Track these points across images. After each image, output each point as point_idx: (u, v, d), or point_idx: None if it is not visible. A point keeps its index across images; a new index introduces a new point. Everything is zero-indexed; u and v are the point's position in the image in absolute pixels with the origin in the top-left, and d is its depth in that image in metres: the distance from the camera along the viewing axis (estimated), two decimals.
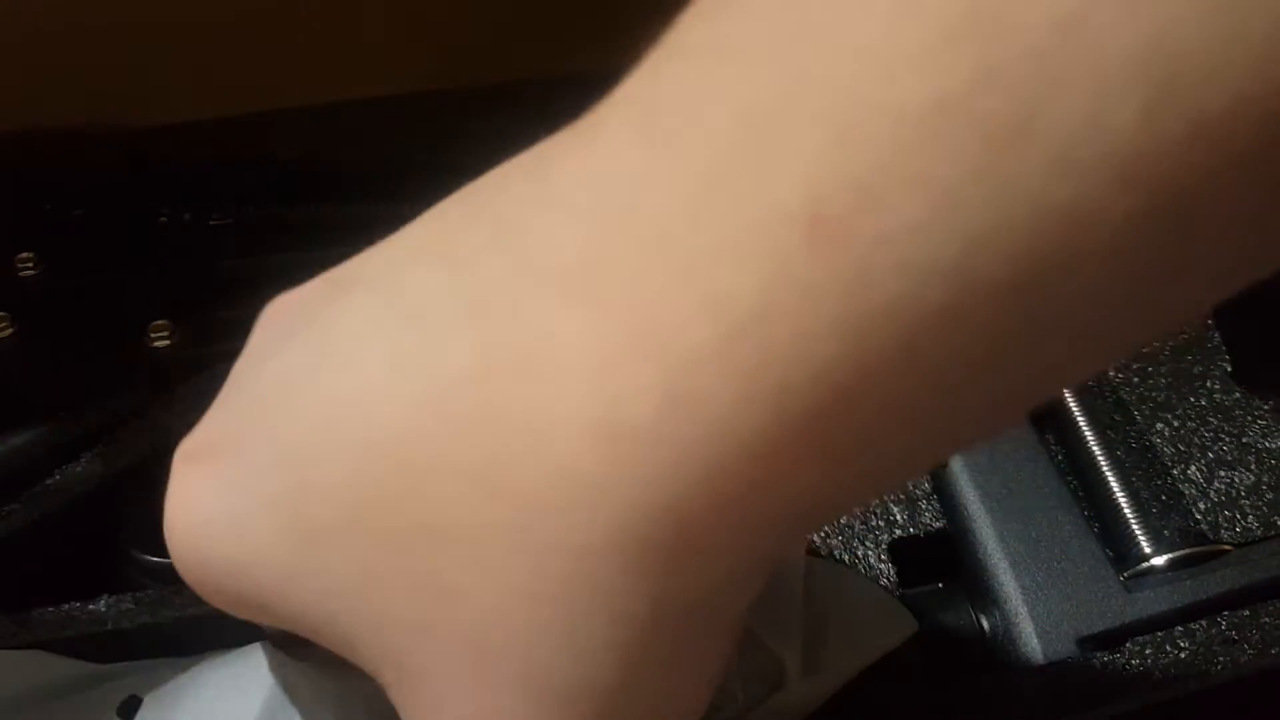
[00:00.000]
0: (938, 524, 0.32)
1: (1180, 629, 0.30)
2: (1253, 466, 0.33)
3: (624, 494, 0.15)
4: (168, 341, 0.35)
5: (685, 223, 0.15)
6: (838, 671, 0.26)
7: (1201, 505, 0.33)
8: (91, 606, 0.29)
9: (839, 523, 0.32)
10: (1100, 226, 0.13)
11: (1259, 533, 0.32)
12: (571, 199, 0.16)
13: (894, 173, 0.13)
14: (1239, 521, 0.33)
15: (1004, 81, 0.13)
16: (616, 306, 0.15)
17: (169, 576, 0.30)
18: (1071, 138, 0.13)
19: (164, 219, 0.37)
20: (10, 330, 0.35)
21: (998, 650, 0.30)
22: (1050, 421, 0.34)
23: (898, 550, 0.32)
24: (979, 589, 0.31)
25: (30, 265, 0.36)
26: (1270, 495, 0.33)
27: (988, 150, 0.13)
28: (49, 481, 0.33)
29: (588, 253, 0.15)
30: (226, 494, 0.19)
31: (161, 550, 0.31)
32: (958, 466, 0.32)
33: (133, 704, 0.24)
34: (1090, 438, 0.33)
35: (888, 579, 0.31)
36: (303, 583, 0.18)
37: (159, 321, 0.35)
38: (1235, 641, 0.30)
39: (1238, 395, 0.35)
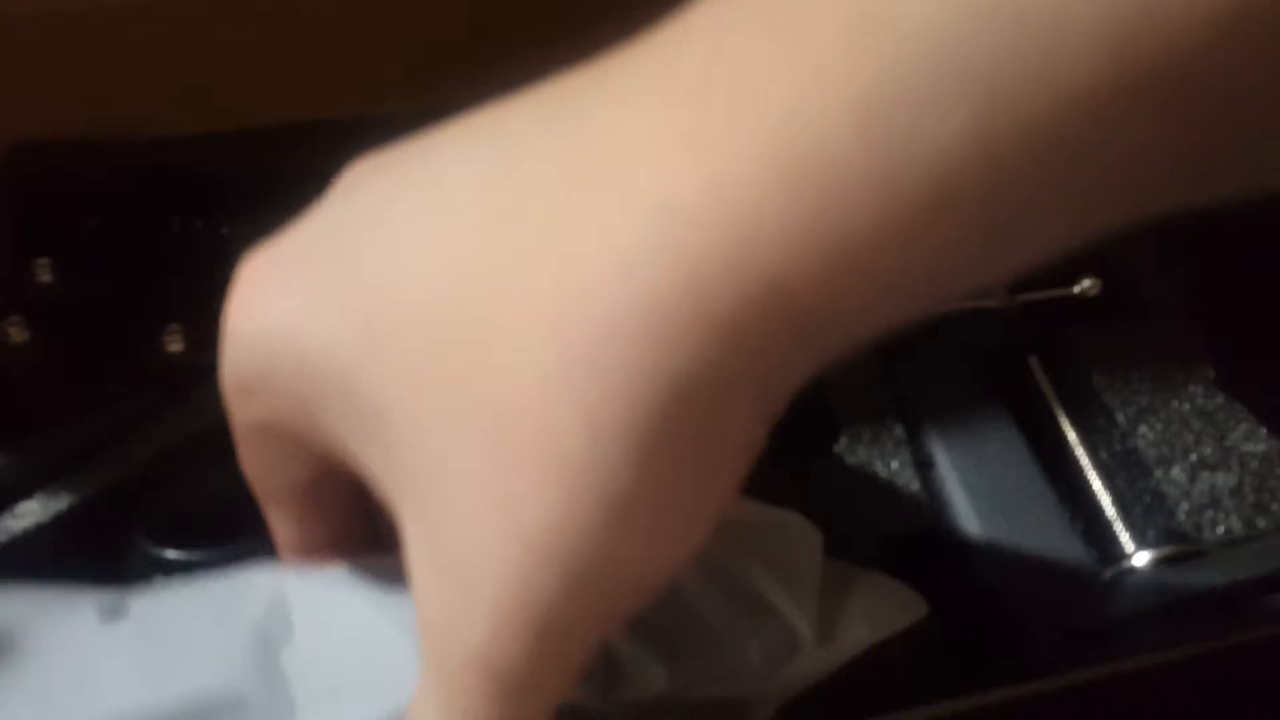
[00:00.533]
0: (926, 524, 0.33)
1: (1163, 627, 0.31)
2: (1234, 469, 0.34)
3: (656, 269, 0.17)
4: (180, 346, 0.36)
5: (744, 32, 0.17)
6: (850, 642, 0.27)
7: (1184, 506, 0.34)
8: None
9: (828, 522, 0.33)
10: (1082, 32, 0.15)
11: (1240, 533, 0.33)
12: (656, 40, 0.19)
13: None
14: (1221, 522, 0.33)
15: None
16: (679, 106, 0.17)
17: (176, 569, 0.31)
18: None
19: (176, 227, 0.38)
20: (26, 335, 0.36)
21: (983, 647, 0.31)
22: (1036, 425, 0.35)
23: (887, 549, 0.33)
24: (966, 588, 0.32)
25: (46, 271, 0.37)
26: (1251, 497, 0.34)
27: None
28: (63, 483, 0.34)
29: (661, 73, 0.18)
30: (305, 295, 0.21)
31: (172, 544, 0.32)
32: (946, 468, 0.33)
33: (117, 605, 0.24)
34: (1075, 441, 0.34)
35: None
36: (363, 376, 0.20)
37: (172, 326, 0.36)
38: (1218, 639, 0.31)
39: (1220, 400, 0.36)
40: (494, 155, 0.19)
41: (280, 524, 0.25)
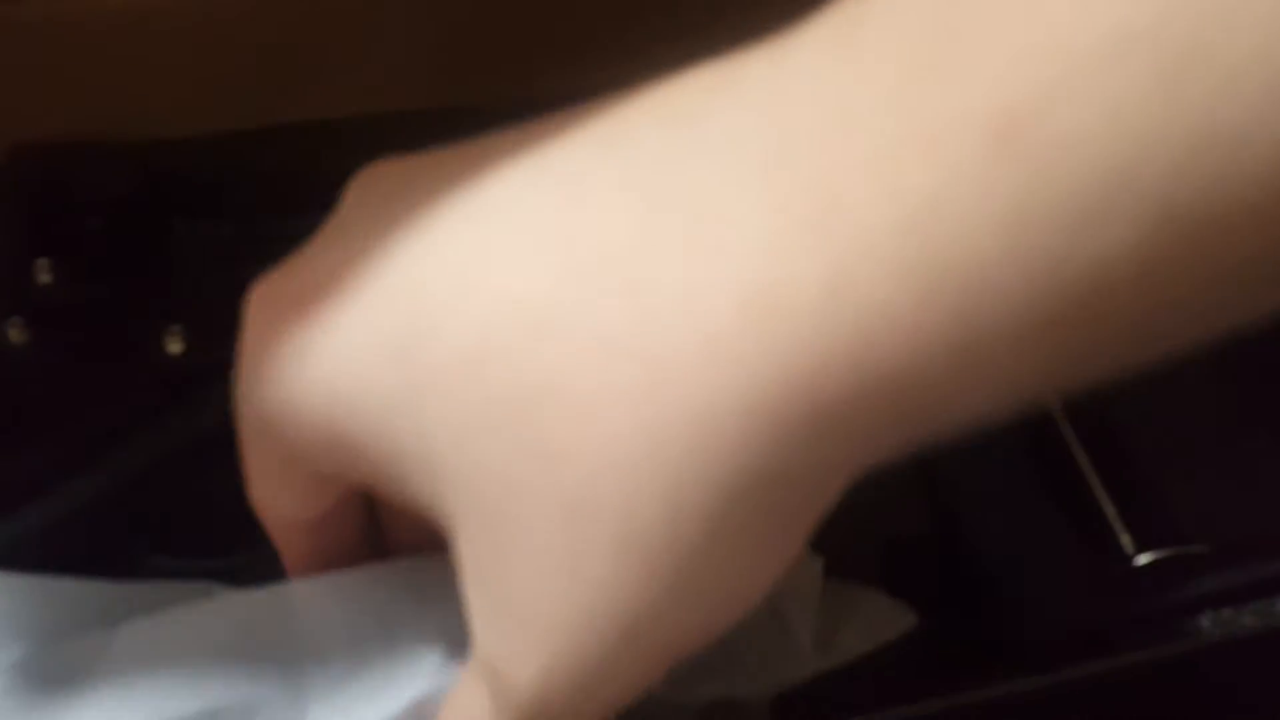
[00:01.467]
0: (926, 525, 0.33)
1: (1164, 629, 0.31)
2: (1235, 469, 0.34)
3: (766, 367, 0.16)
4: (181, 348, 0.36)
5: (873, 118, 0.15)
6: (844, 650, 0.28)
7: (1185, 507, 0.34)
8: None
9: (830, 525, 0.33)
10: (1261, 147, 0.14)
11: (1241, 534, 0.33)
12: (755, 91, 0.16)
13: (1075, 88, 0.14)
14: (1221, 522, 0.33)
15: (1184, 18, 0.14)
16: (793, 189, 0.16)
17: (178, 577, 0.31)
18: (1239, 68, 0.13)
19: (177, 228, 0.38)
20: (25, 335, 0.36)
21: (984, 648, 0.31)
22: (1036, 426, 0.35)
23: (889, 553, 0.33)
24: (966, 588, 0.32)
25: (45, 272, 0.37)
26: (1252, 497, 0.34)
27: (1161, 75, 0.14)
28: (64, 488, 0.34)
29: (768, 137, 0.16)
30: (335, 327, 0.19)
31: (176, 552, 0.32)
32: (946, 470, 0.33)
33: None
34: (1074, 441, 0.34)
35: (880, 582, 0.32)
36: (405, 418, 0.18)
37: (172, 327, 0.36)
38: (1220, 641, 0.31)
39: (1220, 400, 0.36)
40: (563, 191, 0.17)
41: (288, 547, 0.24)
